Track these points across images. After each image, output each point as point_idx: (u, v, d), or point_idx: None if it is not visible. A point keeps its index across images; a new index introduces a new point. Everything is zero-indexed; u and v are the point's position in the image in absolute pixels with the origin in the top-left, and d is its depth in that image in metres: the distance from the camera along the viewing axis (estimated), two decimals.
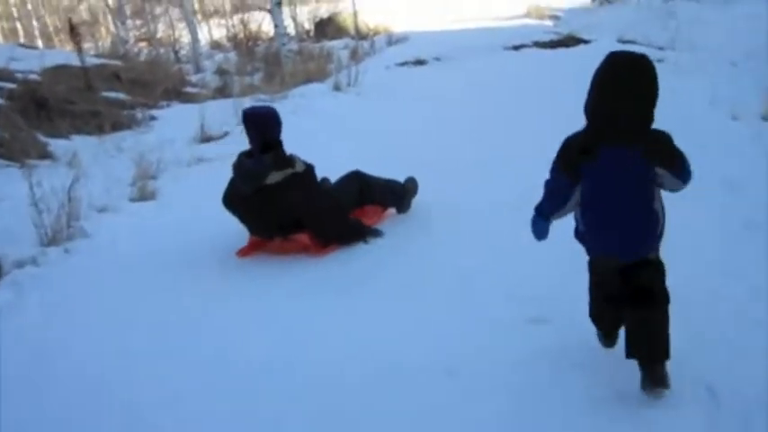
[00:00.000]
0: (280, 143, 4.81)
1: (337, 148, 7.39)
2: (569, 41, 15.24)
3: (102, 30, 28.49)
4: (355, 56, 16.78)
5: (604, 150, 2.67)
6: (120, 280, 4.76)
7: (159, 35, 22.70)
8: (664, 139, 2.68)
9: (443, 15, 26.22)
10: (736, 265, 3.95)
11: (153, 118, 10.38)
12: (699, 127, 6.74)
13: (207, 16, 28.84)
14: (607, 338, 3.09)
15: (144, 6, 22.63)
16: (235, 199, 4.85)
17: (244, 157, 4.82)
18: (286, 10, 21.15)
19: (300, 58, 17.26)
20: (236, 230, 5.11)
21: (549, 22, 22.40)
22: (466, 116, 8.55)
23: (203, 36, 25.31)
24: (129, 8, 22.11)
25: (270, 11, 15.23)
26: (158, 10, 23.39)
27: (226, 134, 8.63)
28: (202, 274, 4.74)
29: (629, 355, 2.79)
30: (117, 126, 9.66)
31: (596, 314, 3.06)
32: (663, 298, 2.76)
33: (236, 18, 22.15)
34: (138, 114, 10.23)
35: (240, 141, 8.29)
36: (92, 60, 13.19)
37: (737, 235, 4.35)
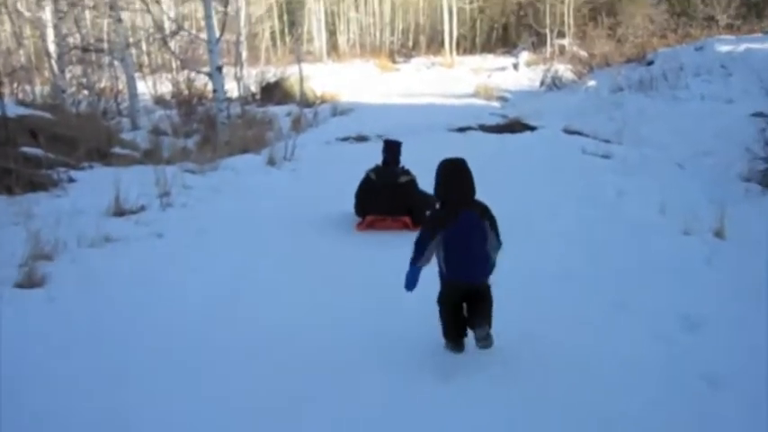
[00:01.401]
0: (400, 160, 7.75)
1: (244, 243, 6.94)
2: (516, 126, 15.06)
3: (46, 73, 27.67)
4: (297, 125, 16.37)
5: (461, 213, 4.23)
6: None
7: (102, 85, 21.92)
8: (485, 205, 4.32)
9: (391, 88, 26.17)
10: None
11: (72, 180, 9.64)
12: (651, 244, 6.44)
13: (154, 70, 28.23)
14: (457, 347, 4.43)
15: (88, 56, 21.88)
16: (368, 191, 7.53)
17: (380, 167, 7.67)
18: (232, 70, 20.71)
19: (241, 122, 16.77)
20: (125, 346, 4.58)
21: (496, 104, 22.41)
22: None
23: (148, 90, 24.67)
24: (74, 55, 21.37)
25: (210, 75, 14.65)
26: (105, 59, 22.69)
27: (142, 208, 7.90)
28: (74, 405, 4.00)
29: (472, 326, 4.25)
30: (31, 187, 8.93)
31: (448, 321, 4.43)
32: (491, 300, 4.34)
33: (183, 74, 21.56)
34: (55, 175, 9.53)
35: (158, 219, 7.78)
36: (17, 110, 12.47)
37: (700, 393, 3.87)
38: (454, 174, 4.31)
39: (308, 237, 7.18)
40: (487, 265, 4.32)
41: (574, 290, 5.48)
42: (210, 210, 8.14)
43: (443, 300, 4.41)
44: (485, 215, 4.25)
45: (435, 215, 4.39)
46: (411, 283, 4.29)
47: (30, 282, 5.57)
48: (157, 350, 4.54)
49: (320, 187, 9.39)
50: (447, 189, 4.30)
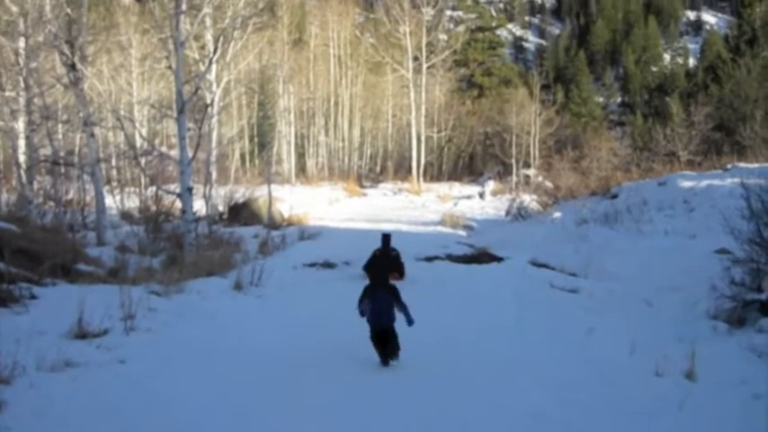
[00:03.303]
0: (390, 243, 10.83)
1: (209, 375, 6.76)
2: (483, 257, 15.17)
3: (14, 182, 27.47)
4: (265, 248, 16.32)
5: (376, 291, 7.53)
6: None
7: (70, 197, 21.73)
8: (394, 287, 7.69)
9: (358, 213, 26.35)
10: None
11: (34, 297, 9.41)
12: (622, 385, 6.43)
13: (123, 185, 28.20)
14: (383, 363, 7.44)
15: (58, 168, 21.78)
16: (374, 260, 9.12)
17: (381, 248, 9.93)
18: (201, 189, 20.66)
19: (208, 243, 16.67)
20: None
21: (462, 232, 22.58)
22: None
23: (115, 204, 24.57)
24: (43, 166, 21.29)
25: (179, 195, 14.61)
26: (74, 172, 22.60)
27: (105, 332, 7.69)
28: None
29: (386, 358, 7.50)
30: None
31: (377, 349, 7.44)
32: (395, 337, 7.49)
33: (152, 190, 21.49)
34: (17, 291, 9.30)
35: (121, 343, 7.56)
36: None
37: None
38: (378, 273, 7.86)
39: (277, 371, 7.01)
40: (390, 318, 7.44)
41: None
42: (175, 336, 7.95)
43: (371, 336, 7.54)
44: (391, 293, 7.57)
45: (365, 291, 7.64)
46: (361, 313, 7.58)
47: None
48: None
49: (288, 317, 9.32)
50: (372, 278, 7.79)
